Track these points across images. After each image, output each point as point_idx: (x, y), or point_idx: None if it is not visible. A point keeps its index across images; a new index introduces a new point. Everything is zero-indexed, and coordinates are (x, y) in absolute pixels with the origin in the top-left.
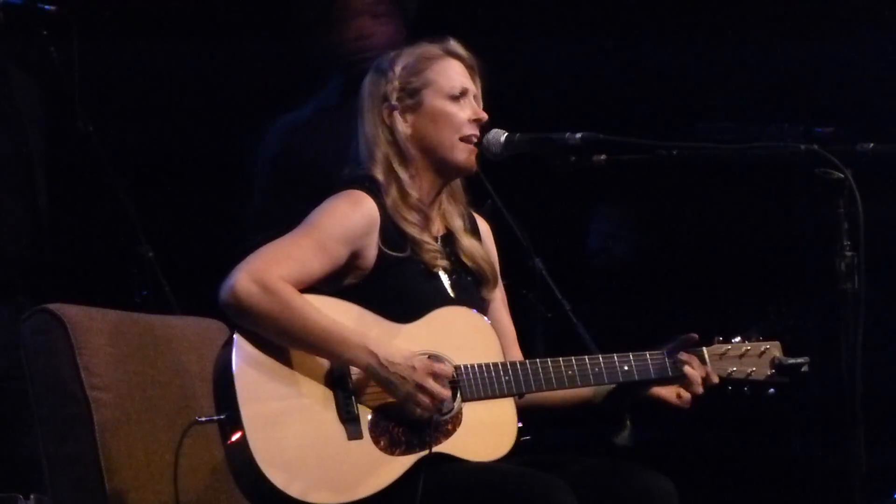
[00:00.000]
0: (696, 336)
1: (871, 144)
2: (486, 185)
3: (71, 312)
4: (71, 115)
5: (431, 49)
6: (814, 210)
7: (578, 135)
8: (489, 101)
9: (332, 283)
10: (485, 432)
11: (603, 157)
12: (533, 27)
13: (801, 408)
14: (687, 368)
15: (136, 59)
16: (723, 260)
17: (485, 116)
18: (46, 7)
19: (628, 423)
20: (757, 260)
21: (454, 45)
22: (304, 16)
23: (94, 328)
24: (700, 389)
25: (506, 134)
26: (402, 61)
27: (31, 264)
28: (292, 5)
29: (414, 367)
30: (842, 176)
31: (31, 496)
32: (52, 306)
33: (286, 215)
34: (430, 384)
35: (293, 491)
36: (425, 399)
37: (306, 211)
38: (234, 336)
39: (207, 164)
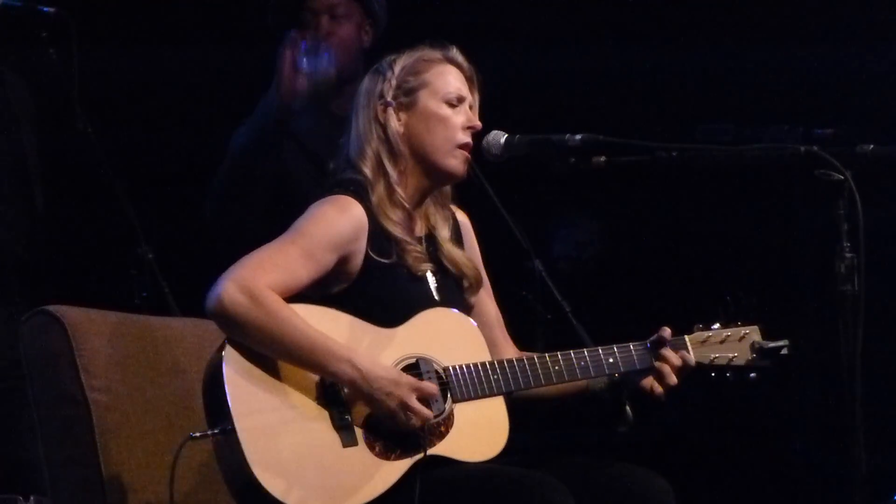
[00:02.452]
0: (668, 330)
1: (871, 146)
2: (486, 187)
3: (70, 314)
4: (70, 117)
5: (432, 53)
6: (814, 212)
7: (578, 136)
8: (489, 103)
9: (318, 289)
10: (477, 432)
11: (603, 158)
12: (532, 28)
13: (802, 409)
14: (657, 363)
15: (136, 61)
16: (725, 262)
17: (479, 125)
18: (46, 9)
19: (627, 409)
20: (757, 262)
21: (455, 53)
22: (272, 17)
23: (93, 330)
24: (673, 380)
25: (505, 135)
26: (402, 62)
27: (28, 265)
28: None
29: (398, 384)
30: (841, 177)
31: (31, 497)
32: (52, 308)
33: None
34: (414, 402)
35: (291, 500)
36: (407, 417)
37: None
38: (225, 347)
39: (207, 166)
